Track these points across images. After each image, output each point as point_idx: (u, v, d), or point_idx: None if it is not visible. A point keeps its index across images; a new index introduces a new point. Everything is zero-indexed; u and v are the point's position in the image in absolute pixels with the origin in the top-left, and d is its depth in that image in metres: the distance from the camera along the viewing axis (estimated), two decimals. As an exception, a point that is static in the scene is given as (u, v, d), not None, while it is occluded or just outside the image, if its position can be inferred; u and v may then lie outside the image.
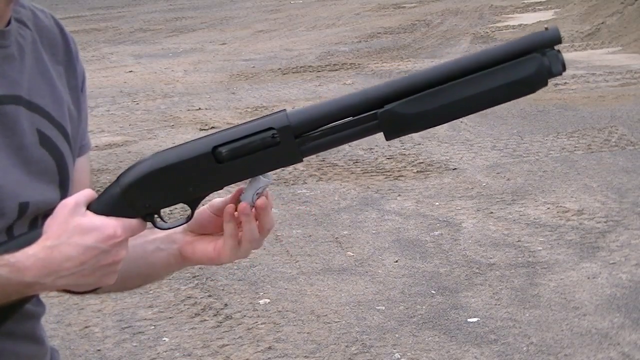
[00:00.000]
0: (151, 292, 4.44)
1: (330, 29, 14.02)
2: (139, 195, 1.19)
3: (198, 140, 1.21)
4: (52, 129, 1.28)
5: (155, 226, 1.23)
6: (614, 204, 5.32)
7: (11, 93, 1.24)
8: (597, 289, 4.24)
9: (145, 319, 4.16)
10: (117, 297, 4.40)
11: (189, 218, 1.25)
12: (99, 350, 3.90)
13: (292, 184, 6.11)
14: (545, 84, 1.16)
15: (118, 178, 1.21)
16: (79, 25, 15.92)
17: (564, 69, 1.16)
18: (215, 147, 1.19)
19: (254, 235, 1.23)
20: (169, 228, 1.25)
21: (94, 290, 1.24)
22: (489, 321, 3.98)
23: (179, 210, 1.28)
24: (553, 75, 1.16)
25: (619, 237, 4.81)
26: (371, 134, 1.19)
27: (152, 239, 1.31)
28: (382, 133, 1.19)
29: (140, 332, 4.04)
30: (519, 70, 1.15)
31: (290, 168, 6.45)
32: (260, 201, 1.23)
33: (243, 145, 1.18)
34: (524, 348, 3.74)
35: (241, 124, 1.21)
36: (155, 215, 1.23)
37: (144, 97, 9.45)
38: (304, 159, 1.21)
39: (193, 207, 1.23)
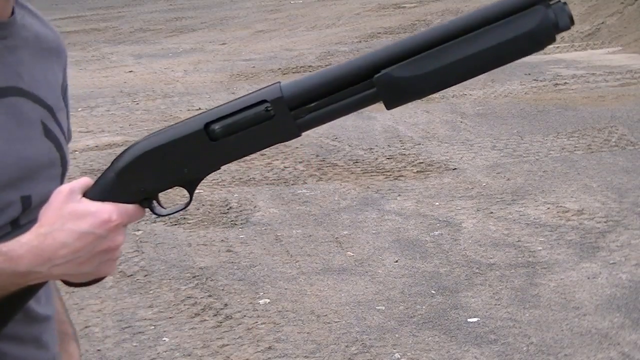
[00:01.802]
0: (151, 292, 4.45)
1: (330, 29, 14.01)
2: (133, 179, 1.16)
3: (190, 118, 1.17)
4: (52, 120, 1.28)
5: (153, 212, 1.19)
6: (614, 204, 5.32)
7: (14, 85, 1.23)
8: (597, 289, 4.24)
9: (145, 319, 4.16)
10: (117, 297, 4.40)
11: (188, 203, 1.21)
12: (99, 350, 3.90)
13: (292, 184, 6.11)
14: (553, 39, 1.09)
15: (112, 163, 1.18)
16: (79, 25, 15.91)
17: (572, 22, 1.08)
18: (207, 124, 1.14)
19: None
20: (168, 214, 1.21)
21: (93, 282, 1.21)
22: (489, 321, 3.98)
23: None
24: (560, 29, 1.08)
25: (619, 237, 4.81)
26: (371, 103, 1.13)
27: None
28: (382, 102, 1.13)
29: (140, 332, 4.04)
30: (522, 24, 1.08)
31: (290, 168, 6.44)
32: None
33: (236, 121, 1.14)
34: (524, 348, 3.74)
35: (234, 99, 1.16)
36: (154, 201, 1.19)
37: (144, 97, 9.45)
38: (301, 134, 1.15)
39: (191, 191, 1.19)
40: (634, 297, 4.13)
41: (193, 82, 10.16)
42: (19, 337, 1.25)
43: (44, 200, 1.21)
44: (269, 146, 1.16)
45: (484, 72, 1.12)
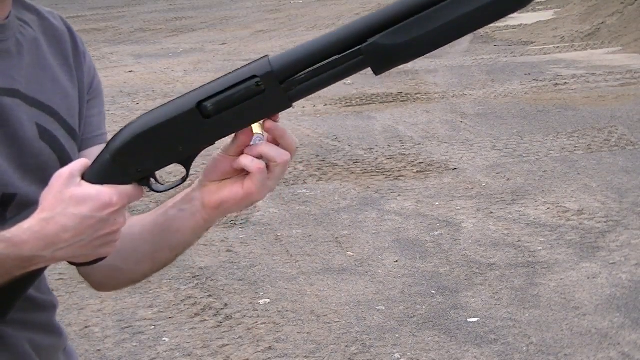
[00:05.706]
0: (151, 292, 4.45)
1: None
2: (129, 160, 1.16)
3: (182, 97, 1.18)
4: (53, 122, 1.28)
5: (151, 189, 1.20)
6: (614, 204, 5.32)
7: (7, 87, 1.24)
8: (597, 289, 4.24)
9: (145, 319, 4.16)
10: (117, 297, 4.40)
11: (185, 178, 1.21)
12: (99, 350, 3.90)
13: (292, 184, 6.11)
14: None
15: (107, 144, 1.18)
16: (79, 25, 15.91)
17: None
18: (199, 102, 1.16)
19: (285, 157, 1.18)
20: (166, 190, 1.21)
21: (95, 261, 1.21)
22: (489, 321, 3.98)
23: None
24: None
25: (619, 237, 4.81)
26: (359, 70, 1.15)
27: (172, 205, 1.27)
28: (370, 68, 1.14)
29: (140, 332, 4.04)
30: None
31: (290, 168, 6.44)
32: (268, 124, 1.17)
33: (228, 97, 1.15)
34: (524, 348, 3.74)
35: (224, 75, 1.17)
36: (151, 179, 1.19)
37: (144, 97, 9.45)
38: (293, 105, 1.16)
39: (187, 167, 1.20)
40: (634, 297, 4.13)
41: (193, 82, 10.16)
42: (26, 323, 1.27)
43: (30, 201, 1.21)
44: (261, 119, 1.17)
45: (467, 34, 1.13)
